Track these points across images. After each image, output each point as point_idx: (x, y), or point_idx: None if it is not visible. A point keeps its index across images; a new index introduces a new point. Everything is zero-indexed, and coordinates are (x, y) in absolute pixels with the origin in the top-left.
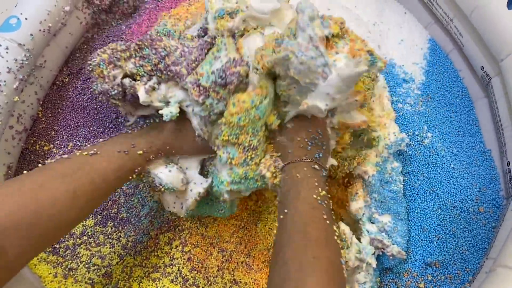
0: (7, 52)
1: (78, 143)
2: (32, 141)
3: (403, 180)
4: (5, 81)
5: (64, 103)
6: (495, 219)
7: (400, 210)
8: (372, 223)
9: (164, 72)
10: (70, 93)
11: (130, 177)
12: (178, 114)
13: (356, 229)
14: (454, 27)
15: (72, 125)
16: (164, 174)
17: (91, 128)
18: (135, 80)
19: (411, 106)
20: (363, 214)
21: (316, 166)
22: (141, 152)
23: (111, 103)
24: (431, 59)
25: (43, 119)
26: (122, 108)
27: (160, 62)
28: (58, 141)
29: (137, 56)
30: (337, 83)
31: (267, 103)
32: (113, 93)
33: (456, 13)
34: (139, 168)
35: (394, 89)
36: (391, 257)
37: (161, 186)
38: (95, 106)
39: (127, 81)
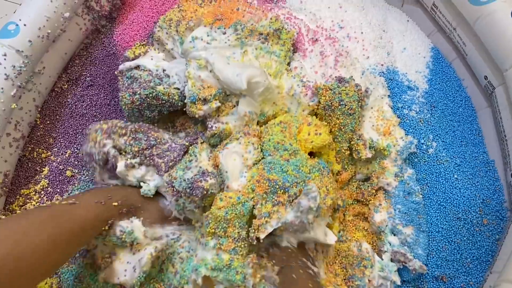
0: (5, 59)
1: (76, 150)
2: (29, 148)
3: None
4: (2, 88)
5: (62, 110)
6: (498, 231)
7: (421, 222)
8: (394, 235)
9: (148, 158)
10: (69, 100)
11: (104, 228)
12: (153, 195)
13: (377, 243)
14: (457, 36)
15: (71, 132)
16: (127, 223)
17: None
18: (120, 154)
19: (416, 113)
20: (386, 225)
21: (310, 271)
22: (116, 203)
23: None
24: (434, 67)
25: (41, 126)
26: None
27: (147, 149)
28: (56, 149)
29: (130, 136)
30: (318, 239)
31: (252, 205)
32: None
33: (459, 22)
34: (112, 220)
35: (399, 96)
36: (413, 272)
37: (122, 234)
38: (94, 113)
39: (112, 150)
